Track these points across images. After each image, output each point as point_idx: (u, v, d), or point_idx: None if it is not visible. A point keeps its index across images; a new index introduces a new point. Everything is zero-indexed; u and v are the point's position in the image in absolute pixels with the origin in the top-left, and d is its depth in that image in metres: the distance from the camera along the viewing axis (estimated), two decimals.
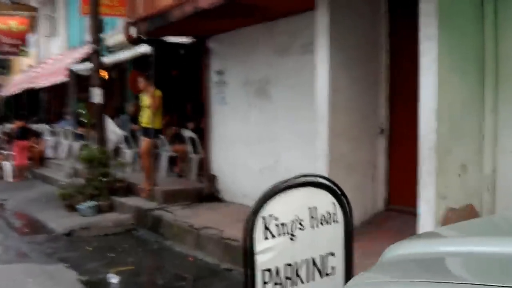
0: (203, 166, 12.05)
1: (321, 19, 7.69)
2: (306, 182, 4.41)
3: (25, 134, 18.78)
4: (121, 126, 14.71)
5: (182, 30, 10.82)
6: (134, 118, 14.31)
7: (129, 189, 12.07)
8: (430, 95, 6.09)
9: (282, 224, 4.18)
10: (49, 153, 19.57)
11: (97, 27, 13.01)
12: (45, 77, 19.24)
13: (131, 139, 14.16)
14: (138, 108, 14.38)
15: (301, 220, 4.29)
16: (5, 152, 19.61)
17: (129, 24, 10.86)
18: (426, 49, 6.17)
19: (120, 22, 17.51)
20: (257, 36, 10.16)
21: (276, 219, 4.17)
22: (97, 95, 12.48)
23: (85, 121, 12.89)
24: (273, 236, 4.12)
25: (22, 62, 30.88)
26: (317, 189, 4.41)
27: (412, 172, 6.98)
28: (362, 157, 8.01)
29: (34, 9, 27.72)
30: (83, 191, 12.07)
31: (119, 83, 18.30)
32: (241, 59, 10.60)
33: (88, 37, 20.93)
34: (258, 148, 10.10)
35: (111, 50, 16.89)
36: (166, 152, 12.84)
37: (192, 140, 12.25)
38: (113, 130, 13.09)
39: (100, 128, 12.68)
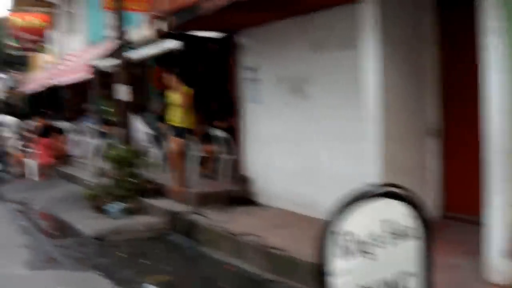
0: (235, 167, 11.58)
1: (367, 11, 7.16)
2: (380, 192, 3.91)
3: (48, 132, 18.36)
4: (146, 124, 14.19)
5: (212, 24, 10.29)
6: (161, 116, 13.81)
7: (158, 191, 11.56)
8: (498, 94, 5.52)
9: (357, 241, 3.68)
10: (72, 151, 19.13)
11: (122, 22, 12.51)
12: (67, 73, 18.79)
13: (158, 138, 13.64)
14: (164, 106, 13.93)
15: (377, 236, 3.80)
16: (29, 150, 19.21)
17: (157, 18, 10.33)
18: (491, 43, 5.60)
19: (142, 18, 17.05)
20: (291, 31, 9.61)
21: (351, 235, 3.66)
22: (123, 92, 12.01)
23: (110, 119, 12.38)
24: (347, 255, 3.62)
25: (41, 59, 30.54)
26: (392, 200, 3.90)
27: (472, 177, 6.46)
28: (412, 160, 7.45)
29: (53, 5, 27.36)
30: (110, 192, 11.62)
31: (141, 80, 17.83)
32: (274, 55, 10.07)
33: (109, 33, 20.56)
34: (294, 149, 9.56)
35: (132, 46, 16.40)
36: (195, 152, 12.30)
37: (223, 140, 11.73)
38: (140, 129, 12.57)
39: (126, 126, 12.20)
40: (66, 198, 13.97)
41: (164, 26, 10.22)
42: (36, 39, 26.50)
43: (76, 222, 11.00)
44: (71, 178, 16.73)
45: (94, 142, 18.08)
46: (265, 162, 10.34)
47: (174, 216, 10.16)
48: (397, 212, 3.84)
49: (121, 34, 12.37)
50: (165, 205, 10.79)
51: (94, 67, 15.68)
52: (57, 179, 17.63)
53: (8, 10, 29.82)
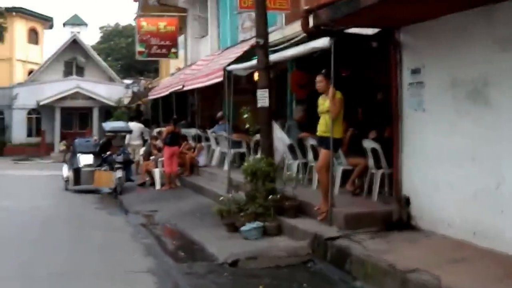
0: (387, 184, 10.14)
1: None
2: None
3: (175, 139, 17.50)
4: (286, 133, 12.86)
5: (371, 18, 8.82)
6: (301, 124, 12.52)
7: (299, 209, 10.22)
8: None
9: None
10: (200, 160, 18.21)
11: (263, 21, 11.33)
12: (197, 78, 17.85)
13: (299, 148, 12.26)
14: (306, 113, 12.69)
15: None
16: (155, 158, 18.48)
17: (307, 12, 9.01)
18: None
19: (279, 18, 15.91)
20: (468, 25, 8.03)
21: None
22: (264, 98, 10.80)
23: (248, 127, 11.16)
24: None
25: (169, 64, 30.17)
26: None
27: None
28: None
29: (183, 10, 26.85)
30: (245, 208, 10.45)
31: (276, 85, 16.69)
32: (445, 55, 8.49)
33: (243, 36, 19.63)
34: (471, 167, 7.93)
35: (273, 48, 15.28)
36: (340, 165, 10.93)
37: (374, 152, 10.28)
38: (281, 138, 11.27)
39: (266, 135, 10.94)
40: (194, 211, 13.00)
41: (313, 22, 8.90)
42: (166, 44, 26.00)
43: (206, 242, 9.89)
44: (198, 189, 15.78)
45: (225, 151, 17.17)
46: (431, 180, 8.74)
47: (320, 241, 8.75)
48: None
49: (263, 32, 11.15)
50: (308, 226, 9.44)
51: (227, 71, 14.59)
52: (184, 190, 16.80)
53: (136, 15, 29.73)
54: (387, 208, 9.52)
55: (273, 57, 11.61)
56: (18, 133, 40.61)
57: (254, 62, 13.39)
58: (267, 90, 10.89)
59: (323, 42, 9.54)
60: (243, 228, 9.84)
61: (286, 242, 9.40)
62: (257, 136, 13.96)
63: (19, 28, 47.62)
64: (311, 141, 11.89)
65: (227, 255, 8.74)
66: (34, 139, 40.43)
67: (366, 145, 10.42)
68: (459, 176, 8.17)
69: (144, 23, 25.95)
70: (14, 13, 45.82)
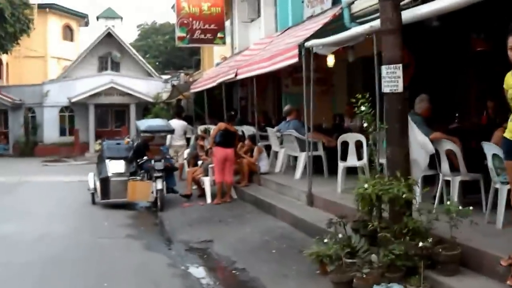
0: None
1: None
2: None
3: (229, 139, 13.23)
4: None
5: None
6: (429, 121, 8.20)
7: (462, 260, 5.92)
8: None
9: None
10: (261, 165, 13.91)
11: None
12: (260, 63, 13.42)
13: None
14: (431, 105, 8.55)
15: None
16: (204, 163, 14.23)
17: None
18: None
19: None
20: None
21: None
22: (395, 78, 6.47)
23: (366, 126, 6.73)
24: None
25: (213, 54, 26.11)
26: None
27: None
28: None
29: None
30: (363, 255, 6.30)
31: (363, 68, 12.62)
32: None
33: (308, 11, 15.44)
34: None
35: (357, 19, 11.04)
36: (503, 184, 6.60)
37: None
38: (423, 144, 6.84)
39: (400, 140, 6.53)
40: (267, 245, 8.95)
41: None
42: (209, 28, 22.07)
43: None
44: (265, 207, 11.60)
45: (292, 154, 13.04)
46: None
47: None
48: None
49: None
50: None
51: (305, 48, 10.29)
52: (243, 205, 12.64)
53: None
54: None
55: (404, 16, 7.06)
56: (50, 132, 36.86)
57: (347, 33, 9.22)
58: (400, 65, 6.50)
59: None
60: None
61: None
62: (344, 137, 10.02)
63: (53, 25, 45.35)
64: (447, 145, 7.65)
65: None
66: (67, 138, 36.63)
67: None
68: None
69: (184, 4, 21.99)
70: (47, 9, 43.66)
